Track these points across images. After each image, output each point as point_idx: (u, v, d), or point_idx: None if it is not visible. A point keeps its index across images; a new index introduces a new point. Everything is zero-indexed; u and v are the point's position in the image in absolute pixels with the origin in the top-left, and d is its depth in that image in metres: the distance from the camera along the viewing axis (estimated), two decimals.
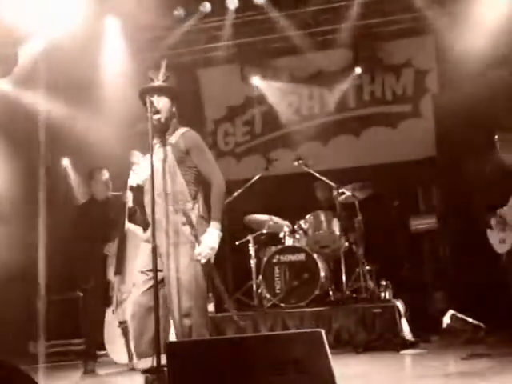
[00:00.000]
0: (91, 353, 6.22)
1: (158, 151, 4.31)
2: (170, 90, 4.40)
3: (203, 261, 4.13)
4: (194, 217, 4.18)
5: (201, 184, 4.33)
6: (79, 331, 6.95)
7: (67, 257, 6.69)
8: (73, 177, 8.81)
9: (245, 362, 3.13)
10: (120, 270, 5.92)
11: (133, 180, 4.52)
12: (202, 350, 3.22)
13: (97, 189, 6.34)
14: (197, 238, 4.14)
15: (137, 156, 4.71)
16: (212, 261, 4.23)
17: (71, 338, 7.27)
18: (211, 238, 4.12)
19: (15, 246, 7.16)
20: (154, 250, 3.93)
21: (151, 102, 4.25)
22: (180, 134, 4.34)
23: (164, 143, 4.34)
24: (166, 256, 4.15)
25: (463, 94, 7.58)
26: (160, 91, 4.35)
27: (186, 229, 4.15)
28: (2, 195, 7.31)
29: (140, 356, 4.14)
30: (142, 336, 4.13)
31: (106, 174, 6.33)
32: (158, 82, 4.42)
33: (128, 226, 5.65)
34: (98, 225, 6.17)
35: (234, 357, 3.15)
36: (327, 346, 3.19)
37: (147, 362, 4.03)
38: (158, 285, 3.92)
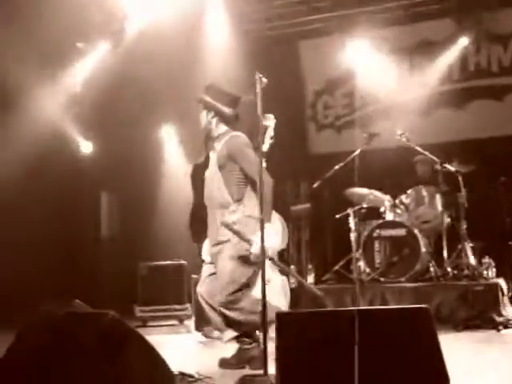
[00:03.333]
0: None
1: (212, 157, 4.57)
2: (205, 103, 4.58)
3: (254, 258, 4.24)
4: (237, 217, 4.34)
5: (248, 185, 4.44)
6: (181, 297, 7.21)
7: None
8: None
9: (349, 336, 3.16)
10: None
11: (266, 145, 4.77)
12: (308, 322, 3.29)
13: None
14: (241, 236, 4.25)
15: (270, 118, 4.86)
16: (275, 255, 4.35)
17: (174, 303, 7.50)
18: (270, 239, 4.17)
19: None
20: (262, 223, 4.03)
21: None
22: (224, 141, 4.49)
23: (212, 149, 4.58)
24: (215, 254, 4.45)
25: None
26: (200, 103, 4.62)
27: (226, 229, 4.31)
28: None
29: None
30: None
31: None
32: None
33: None
34: None
35: (339, 329, 3.19)
36: (435, 324, 3.19)
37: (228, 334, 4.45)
38: (264, 260, 4.01)
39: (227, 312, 4.38)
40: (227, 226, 4.31)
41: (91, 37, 7.82)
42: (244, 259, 4.31)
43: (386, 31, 8.94)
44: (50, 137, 7.76)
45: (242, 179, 4.44)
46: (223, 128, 4.55)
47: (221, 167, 4.44)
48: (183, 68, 8.12)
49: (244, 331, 4.47)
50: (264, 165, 4.83)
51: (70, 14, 7.01)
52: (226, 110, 4.52)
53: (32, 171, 7.55)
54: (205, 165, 4.72)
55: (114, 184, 8.80)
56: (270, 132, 4.93)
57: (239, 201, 4.40)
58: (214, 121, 4.53)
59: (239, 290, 4.36)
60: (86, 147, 8.67)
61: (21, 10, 6.86)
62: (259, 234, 3.97)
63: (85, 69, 8.15)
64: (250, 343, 4.50)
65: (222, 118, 4.52)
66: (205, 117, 4.57)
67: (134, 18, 7.86)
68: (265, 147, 4.95)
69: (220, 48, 8.29)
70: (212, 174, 4.49)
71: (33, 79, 7.26)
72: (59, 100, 7.94)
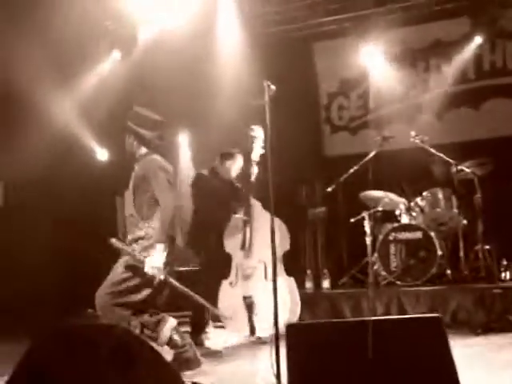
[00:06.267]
0: (201, 325, 6.13)
1: (132, 177, 4.87)
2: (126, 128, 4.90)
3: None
4: (144, 233, 4.63)
5: (158, 206, 4.66)
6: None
7: None
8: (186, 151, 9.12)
9: (361, 347, 3.14)
10: (245, 245, 5.79)
11: (256, 154, 5.43)
12: (319, 333, 3.27)
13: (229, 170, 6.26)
14: (134, 256, 4.58)
15: (257, 130, 5.41)
16: (162, 277, 4.55)
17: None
18: (153, 259, 4.51)
19: None
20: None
21: None
22: (141, 163, 4.82)
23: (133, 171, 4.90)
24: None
25: None
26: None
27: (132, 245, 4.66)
28: None
29: None
30: None
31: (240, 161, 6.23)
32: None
33: (253, 201, 5.75)
34: (223, 195, 6.16)
35: (350, 340, 3.17)
36: (446, 333, 3.15)
37: None
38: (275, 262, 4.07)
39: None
40: (118, 246, 4.65)
41: (103, 44, 7.85)
42: (136, 270, 4.56)
43: (400, 32, 8.85)
44: (65, 144, 7.82)
45: (153, 200, 4.66)
46: (143, 150, 4.83)
47: (135, 187, 4.74)
48: (195, 74, 8.13)
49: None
50: (256, 171, 5.53)
51: (81, 21, 7.05)
52: (146, 133, 4.79)
53: (47, 179, 7.60)
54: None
55: None
56: (259, 142, 5.40)
57: (148, 220, 4.65)
58: (135, 144, 4.83)
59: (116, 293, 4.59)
60: (102, 154, 8.72)
61: (32, 15, 6.91)
62: (153, 254, 4.47)
63: (98, 75, 8.19)
64: (183, 346, 4.68)
65: (142, 141, 4.81)
66: (127, 140, 4.86)
67: (145, 26, 7.88)
68: (255, 156, 5.51)
69: (232, 52, 8.25)
70: (129, 192, 4.79)
71: (47, 86, 7.32)
72: (74, 107, 7.99)
